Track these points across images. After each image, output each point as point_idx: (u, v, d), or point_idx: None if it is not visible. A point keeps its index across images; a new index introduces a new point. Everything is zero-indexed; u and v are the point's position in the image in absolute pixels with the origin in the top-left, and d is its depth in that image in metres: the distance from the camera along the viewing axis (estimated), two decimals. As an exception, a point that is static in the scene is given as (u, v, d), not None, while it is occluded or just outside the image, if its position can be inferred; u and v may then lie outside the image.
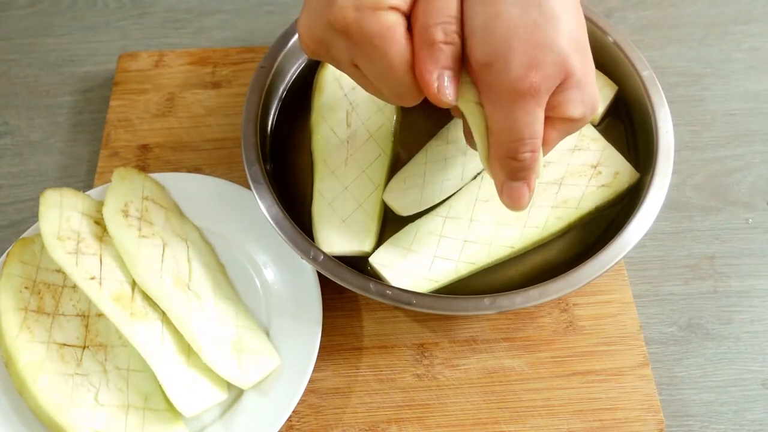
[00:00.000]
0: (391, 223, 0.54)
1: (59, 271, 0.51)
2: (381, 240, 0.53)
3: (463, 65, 0.40)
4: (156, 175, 0.57)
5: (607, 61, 0.57)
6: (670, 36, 0.70)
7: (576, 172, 0.53)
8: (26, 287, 0.50)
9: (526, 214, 0.52)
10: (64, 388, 0.47)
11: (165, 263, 0.52)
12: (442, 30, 0.37)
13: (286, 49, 0.58)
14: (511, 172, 0.41)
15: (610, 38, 0.56)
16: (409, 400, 0.51)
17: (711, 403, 0.52)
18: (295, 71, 0.60)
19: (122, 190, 0.54)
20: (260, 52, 0.67)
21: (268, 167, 0.54)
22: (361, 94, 0.58)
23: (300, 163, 0.57)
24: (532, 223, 0.52)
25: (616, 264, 0.48)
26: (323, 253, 0.49)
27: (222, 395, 0.49)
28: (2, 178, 0.63)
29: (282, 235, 0.49)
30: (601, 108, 0.56)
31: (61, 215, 0.51)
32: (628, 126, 0.57)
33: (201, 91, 0.65)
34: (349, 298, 0.55)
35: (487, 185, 0.54)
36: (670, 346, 0.54)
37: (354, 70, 0.41)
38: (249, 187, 0.52)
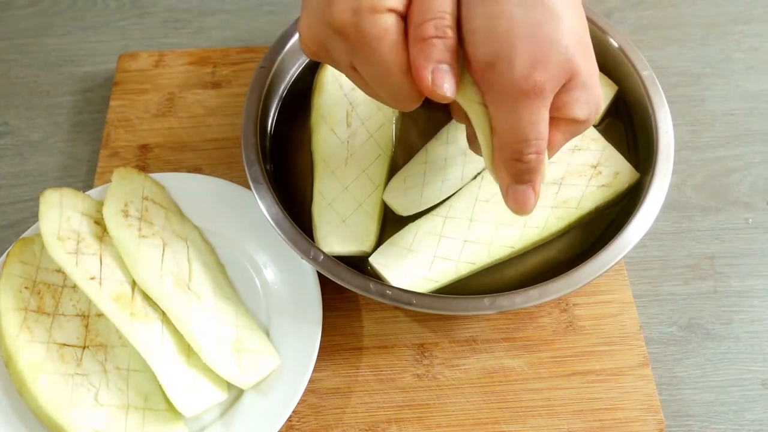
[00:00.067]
0: (391, 223, 0.54)
1: (59, 271, 0.51)
2: (381, 240, 0.53)
3: (466, 65, 0.39)
4: (156, 175, 0.57)
5: (607, 61, 0.57)
6: (670, 36, 0.70)
7: (576, 172, 0.53)
8: (26, 287, 0.50)
9: (526, 214, 0.52)
10: (64, 388, 0.47)
11: (165, 263, 0.52)
12: (434, 25, 0.37)
13: (286, 49, 0.58)
14: (516, 174, 0.40)
15: (610, 38, 0.56)
16: (409, 400, 0.51)
17: (711, 403, 0.52)
18: (295, 71, 0.60)
19: (122, 190, 0.54)
20: (260, 52, 0.67)
21: (268, 167, 0.54)
22: (361, 94, 0.58)
23: (300, 163, 0.57)
24: (532, 223, 0.52)
25: (616, 264, 0.48)
26: (323, 253, 0.49)
27: (222, 395, 0.49)
28: (2, 178, 0.63)
29: (282, 235, 0.49)
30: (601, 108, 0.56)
31: (61, 215, 0.51)
32: (628, 126, 0.57)
33: (201, 91, 0.65)
34: (349, 298, 0.55)
35: (487, 185, 0.54)
36: (670, 346, 0.54)
37: (353, 72, 0.41)
38: (249, 187, 0.52)
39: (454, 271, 0.51)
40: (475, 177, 0.55)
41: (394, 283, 0.50)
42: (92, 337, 0.50)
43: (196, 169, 0.61)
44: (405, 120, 0.58)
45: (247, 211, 0.55)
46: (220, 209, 0.56)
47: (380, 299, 0.47)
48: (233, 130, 0.63)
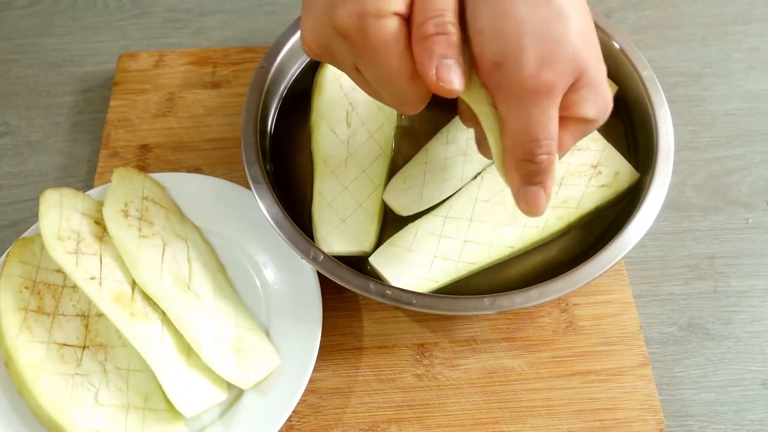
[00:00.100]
0: (391, 223, 0.54)
1: (59, 271, 0.51)
2: (381, 240, 0.53)
3: (473, 66, 0.39)
4: (156, 175, 0.57)
5: (607, 61, 0.56)
6: (670, 36, 0.70)
7: (576, 172, 0.53)
8: (26, 287, 0.50)
9: (526, 214, 0.52)
10: (64, 388, 0.47)
11: (165, 263, 0.52)
12: (434, 23, 0.36)
13: (286, 49, 0.58)
14: (528, 175, 0.40)
15: (610, 38, 0.56)
16: (409, 400, 0.51)
17: (711, 403, 0.52)
18: (295, 71, 0.60)
19: (122, 190, 0.54)
20: (260, 52, 0.67)
21: (268, 167, 0.54)
22: (361, 94, 0.58)
23: (300, 163, 0.57)
24: (532, 223, 0.52)
25: (616, 264, 0.48)
26: (323, 253, 0.49)
27: (222, 395, 0.49)
28: (2, 178, 0.63)
29: (282, 235, 0.49)
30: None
31: (61, 215, 0.51)
32: (628, 126, 0.57)
33: (201, 91, 0.65)
34: (349, 298, 0.55)
35: (487, 185, 0.54)
36: (670, 346, 0.54)
37: (356, 73, 0.40)
38: (249, 187, 0.52)
39: (454, 271, 0.51)
40: (475, 177, 0.55)
41: (394, 283, 0.50)
42: (92, 337, 0.50)
43: (196, 169, 0.61)
44: (405, 120, 0.58)
45: (247, 211, 0.55)
46: (220, 209, 0.56)
47: (380, 299, 0.47)
48: (233, 130, 0.63)
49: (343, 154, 0.56)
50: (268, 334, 0.52)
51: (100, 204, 0.54)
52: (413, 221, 0.53)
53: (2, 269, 0.51)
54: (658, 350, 0.54)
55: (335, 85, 0.58)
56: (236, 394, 0.50)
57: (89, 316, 0.50)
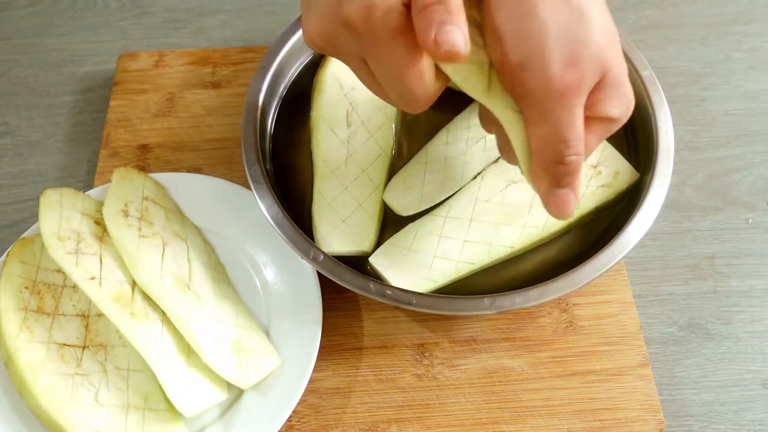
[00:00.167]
0: (391, 223, 0.54)
1: (59, 271, 0.51)
2: (381, 240, 0.53)
3: (495, 71, 0.39)
4: (156, 175, 0.57)
5: (607, 61, 0.57)
6: (670, 36, 0.70)
7: (576, 172, 0.53)
8: (26, 287, 0.50)
9: (526, 214, 0.52)
10: (64, 388, 0.47)
11: (165, 263, 0.52)
12: None
13: (286, 49, 0.58)
14: (557, 177, 0.39)
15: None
16: (409, 400, 0.51)
17: (711, 403, 0.52)
18: (295, 71, 0.60)
19: (122, 190, 0.54)
20: (260, 52, 0.67)
21: (268, 167, 0.54)
22: (361, 94, 0.58)
23: (300, 163, 0.57)
24: (532, 223, 0.52)
25: (616, 264, 0.48)
26: (323, 253, 0.49)
27: (222, 395, 0.49)
28: (2, 178, 0.63)
29: (282, 235, 0.49)
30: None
31: (61, 215, 0.51)
32: (628, 126, 0.56)
33: (201, 91, 0.65)
34: (349, 298, 0.55)
35: (487, 185, 0.54)
36: (670, 346, 0.54)
37: (362, 66, 0.40)
38: (249, 187, 0.52)
39: (454, 271, 0.51)
40: (475, 177, 0.55)
41: (394, 283, 0.50)
42: (92, 337, 0.50)
43: (196, 169, 0.61)
44: (405, 120, 0.58)
45: (247, 211, 0.55)
46: (220, 209, 0.56)
47: (380, 299, 0.47)
48: (233, 130, 0.63)
49: (343, 154, 0.56)
50: (268, 334, 0.52)
51: (100, 204, 0.54)
52: (413, 221, 0.53)
53: (2, 269, 0.51)
54: (658, 350, 0.54)
55: (335, 85, 0.58)
56: (236, 394, 0.50)
57: (89, 316, 0.50)
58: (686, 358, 0.54)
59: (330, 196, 0.54)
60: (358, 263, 0.51)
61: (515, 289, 0.47)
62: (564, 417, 0.50)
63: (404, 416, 0.51)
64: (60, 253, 0.49)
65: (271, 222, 0.50)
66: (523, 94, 0.38)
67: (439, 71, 0.38)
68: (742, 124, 0.64)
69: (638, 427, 0.50)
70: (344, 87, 0.58)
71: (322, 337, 0.50)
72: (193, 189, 0.57)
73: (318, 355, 0.50)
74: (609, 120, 0.40)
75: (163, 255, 0.52)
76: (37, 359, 0.48)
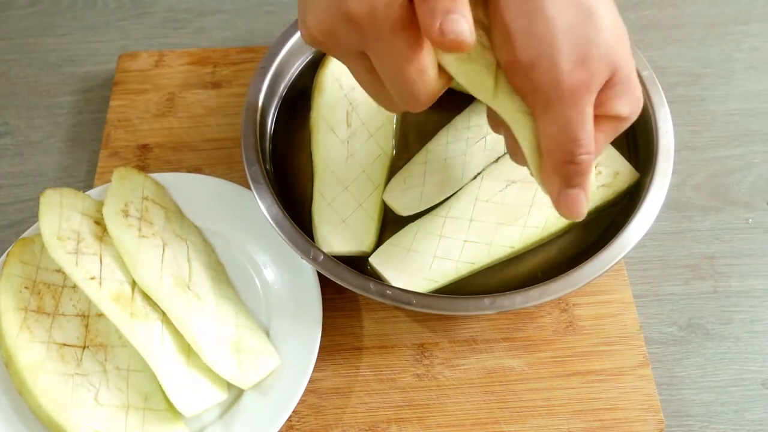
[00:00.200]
0: (391, 223, 0.54)
1: (59, 271, 0.51)
2: (381, 240, 0.53)
3: (503, 71, 0.38)
4: (156, 175, 0.57)
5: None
6: (670, 36, 0.70)
7: (576, 172, 0.53)
8: (26, 287, 0.50)
9: (526, 214, 0.52)
10: (64, 388, 0.47)
11: (165, 263, 0.52)
12: None
13: (286, 49, 0.58)
14: (568, 177, 0.39)
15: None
16: (409, 400, 0.51)
17: (711, 403, 0.52)
18: (295, 71, 0.60)
19: (122, 190, 0.54)
20: (260, 52, 0.67)
21: (268, 167, 0.54)
22: (361, 94, 0.58)
23: (300, 163, 0.57)
24: (532, 223, 0.52)
25: (616, 264, 0.48)
26: (323, 253, 0.49)
27: (222, 395, 0.49)
28: (2, 178, 0.63)
29: (282, 235, 0.49)
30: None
31: (61, 215, 0.51)
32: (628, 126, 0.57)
33: (201, 91, 0.65)
34: (349, 298, 0.55)
35: (487, 185, 0.54)
36: (670, 346, 0.54)
37: (360, 61, 0.39)
38: (249, 187, 0.52)
39: (454, 271, 0.51)
40: (475, 177, 0.55)
41: (394, 283, 0.50)
42: (92, 337, 0.50)
43: (196, 169, 0.61)
44: (405, 120, 0.58)
45: (247, 211, 0.55)
46: (220, 209, 0.56)
47: (380, 299, 0.47)
48: (233, 130, 0.63)
49: (343, 154, 0.56)
50: (268, 334, 0.52)
51: (100, 204, 0.54)
52: (413, 221, 0.53)
53: (2, 269, 0.51)
54: (658, 350, 0.54)
55: (335, 85, 0.58)
56: (236, 394, 0.50)
57: (89, 316, 0.50)
58: (686, 358, 0.54)
59: (330, 196, 0.54)
60: (358, 263, 0.51)
61: (515, 289, 0.47)
62: (564, 417, 0.50)
63: (404, 416, 0.51)
64: (60, 253, 0.49)
65: (271, 222, 0.50)
66: (533, 94, 0.38)
67: (441, 70, 0.38)
68: (742, 124, 0.64)
69: (638, 427, 0.50)
70: (344, 87, 0.58)
71: (322, 337, 0.50)
72: (193, 189, 0.57)
73: (318, 355, 0.50)
74: (618, 119, 0.40)
75: (163, 255, 0.52)
76: (37, 359, 0.48)
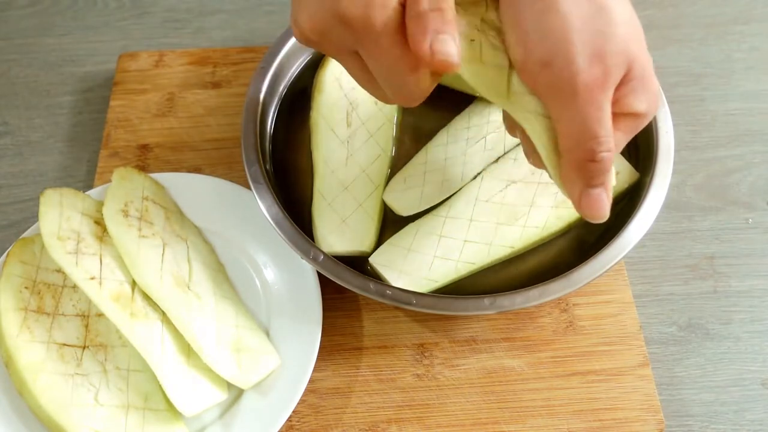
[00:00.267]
0: (391, 223, 0.54)
1: (59, 271, 0.51)
2: (381, 240, 0.53)
3: (516, 72, 0.38)
4: (156, 175, 0.57)
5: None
6: (670, 36, 0.70)
7: (576, 172, 0.53)
8: (26, 287, 0.50)
9: (526, 214, 0.52)
10: (64, 388, 0.47)
11: (165, 263, 0.52)
12: (428, 1, 0.35)
13: (286, 49, 0.58)
14: (589, 177, 0.38)
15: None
16: (409, 400, 0.51)
17: (711, 403, 0.52)
18: (295, 71, 0.60)
19: (122, 190, 0.54)
20: (260, 52, 0.67)
21: (268, 167, 0.54)
22: (361, 94, 0.58)
23: (300, 163, 0.57)
24: (532, 223, 0.52)
25: (616, 264, 0.48)
26: (323, 253, 0.49)
27: (222, 395, 0.49)
28: (2, 178, 0.63)
29: (282, 235, 0.49)
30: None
31: (61, 215, 0.51)
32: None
33: (201, 91, 0.65)
34: (349, 298, 0.55)
35: (487, 185, 0.54)
36: (670, 346, 0.54)
37: (353, 59, 0.39)
38: (249, 187, 0.52)
39: (454, 271, 0.51)
40: (475, 177, 0.55)
41: (394, 283, 0.50)
42: (92, 337, 0.50)
43: (196, 169, 0.61)
44: (405, 120, 0.58)
45: (247, 211, 0.55)
46: (220, 209, 0.56)
47: (380, 299, 0.47)
48: (233, 130, 0.63)
49: (343, 154, 0.56)
50: (268, 334, 0.52)
51: (100, 204, 0.54)
52: (413, 221, 0.53)
53: (2, 269, 0.51)
54: (658, 350, 0.54)
55: (335, 85, 0.58)
56: (236, 394, 0.50)
57: (89, 316, 0.50)
58: (686, 358, 0.54)
59: (330, 196, 0.54)
60: (358, 263, 0.51)
61: (515, 289, 0.47)
62: (564, 417, 0.50)
63: (404, 416, 0.51)
64: (60, 253, 0.49)
65: (271, 222, 0.50)
66: (549, 93, 0.37)
67: None
68: (742, 124, 0.64)
69: (638, 427, 0.50)
70: (344, 87, 0.58)
71: (322, 337, 0.50)
72: (193, 189, 0.57)
73: (318, 355, 0.50)
74: (636, 115, 0.39)
75: (163, 255, 0.52)
76: (37, 359, 0.48)
